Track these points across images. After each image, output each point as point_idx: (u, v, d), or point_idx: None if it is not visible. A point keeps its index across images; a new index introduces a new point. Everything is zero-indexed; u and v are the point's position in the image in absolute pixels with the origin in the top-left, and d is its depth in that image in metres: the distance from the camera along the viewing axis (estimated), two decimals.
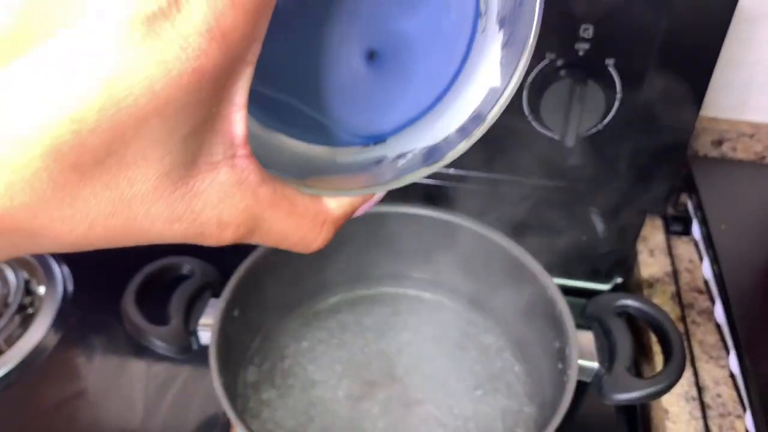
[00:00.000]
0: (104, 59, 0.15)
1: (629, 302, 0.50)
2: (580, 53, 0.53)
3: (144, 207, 0.17)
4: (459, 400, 0.53)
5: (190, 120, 0.16)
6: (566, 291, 0.54)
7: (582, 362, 0.47)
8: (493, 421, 0.53)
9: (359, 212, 0.23)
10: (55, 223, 0.16)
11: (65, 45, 0.15)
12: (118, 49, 0.15)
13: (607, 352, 0.48)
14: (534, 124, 0.57)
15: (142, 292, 0.52)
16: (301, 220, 0.20)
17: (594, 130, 0.56)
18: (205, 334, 0.51)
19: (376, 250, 0.59)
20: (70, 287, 0.66)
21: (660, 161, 0.58)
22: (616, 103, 0.55)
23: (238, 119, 0.18)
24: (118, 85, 0.15)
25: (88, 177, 0.16)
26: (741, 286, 0.55)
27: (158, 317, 0.51)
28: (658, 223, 0.71)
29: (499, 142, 0.58)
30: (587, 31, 0.52)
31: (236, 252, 0.56)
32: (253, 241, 0.20)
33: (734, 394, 0.55)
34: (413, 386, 0.55)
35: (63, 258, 0.69)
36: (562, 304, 0.50)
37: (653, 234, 0.70)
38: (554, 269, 0.66)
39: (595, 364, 0.48)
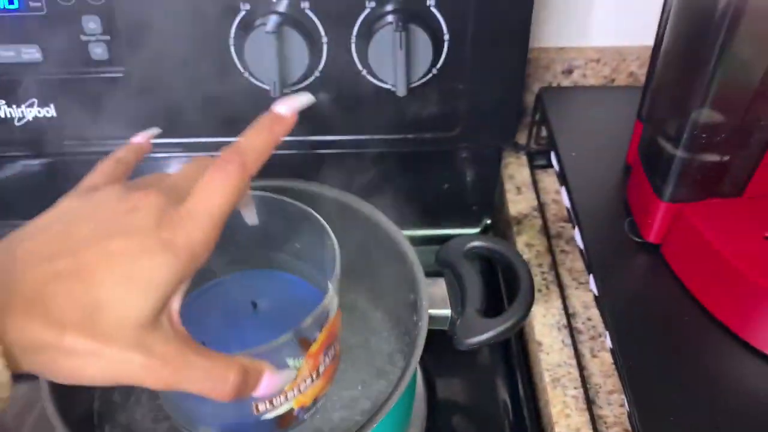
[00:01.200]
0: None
1: (476, 243, 0.50)
2: None
3: (119, 328, 0.28)
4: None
5: (164, 297, 0.29)
6: (438, 240, 0.53)
7: (433, 311, 0.46)
8: (366, 380, 0.52)
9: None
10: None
11: None
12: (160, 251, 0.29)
13: (459, 297, 0.48)
14: (368, 77, 0.55)
15: None
16: (215, 362, 0.31)
17: (429, 75, 0.55)
18: None
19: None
20: None
21: (501, 98, 0.58)
22: (446, 45, 0.54)
23: (173, 308, 0.31)
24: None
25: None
26: (590, 209, 0.55)
27: None
28: (524, 159, 0.71)
29: (340, 103, 0.57)
30: None
31: None
32: (186, 375, 0.30)
33: None
34: None
35: None
36: (412, 255, 0.49)
37: (519, 170, 0.70)
38: (423, 221, 0.66)
39: (447, 312, 0.47)
